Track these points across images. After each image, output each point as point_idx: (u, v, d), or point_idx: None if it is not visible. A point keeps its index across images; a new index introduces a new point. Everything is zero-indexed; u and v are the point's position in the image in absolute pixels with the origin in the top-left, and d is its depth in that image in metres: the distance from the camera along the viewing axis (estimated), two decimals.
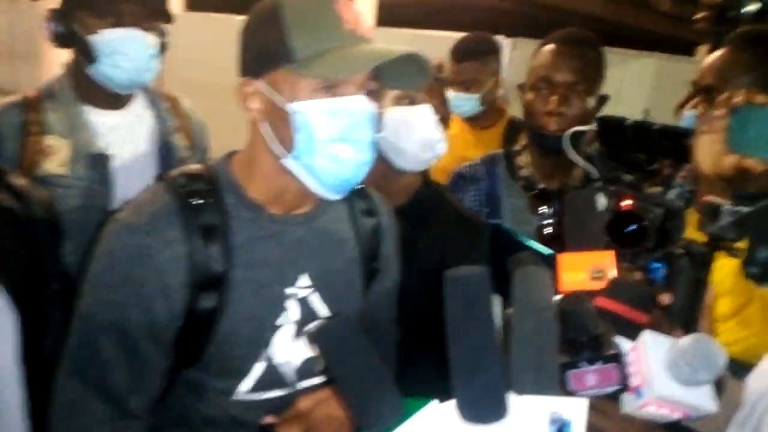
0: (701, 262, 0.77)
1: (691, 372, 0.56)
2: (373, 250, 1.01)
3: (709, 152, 0.84)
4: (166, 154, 1.46)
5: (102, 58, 1.32)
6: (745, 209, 0.76)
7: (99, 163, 1.37)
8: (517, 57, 5.91)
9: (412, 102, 1.20)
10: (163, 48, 1.41)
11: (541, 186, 1.36)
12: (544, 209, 0.96)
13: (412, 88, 0.97)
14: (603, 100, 1.37)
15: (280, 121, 0.83)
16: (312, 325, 0.92)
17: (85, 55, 1.33)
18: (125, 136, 1.42)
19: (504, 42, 6.02)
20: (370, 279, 1.02)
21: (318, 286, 0.93)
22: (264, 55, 0.83)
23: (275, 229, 0.90)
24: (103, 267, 0.86)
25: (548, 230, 0.92)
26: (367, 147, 0.84)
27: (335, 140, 0.81)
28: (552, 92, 1.32)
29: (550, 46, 1.36)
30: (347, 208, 1.00)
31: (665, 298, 0.74)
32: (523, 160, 1.44)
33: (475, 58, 2.09)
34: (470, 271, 0.46)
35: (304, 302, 0.92)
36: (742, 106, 0.81)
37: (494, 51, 2.23)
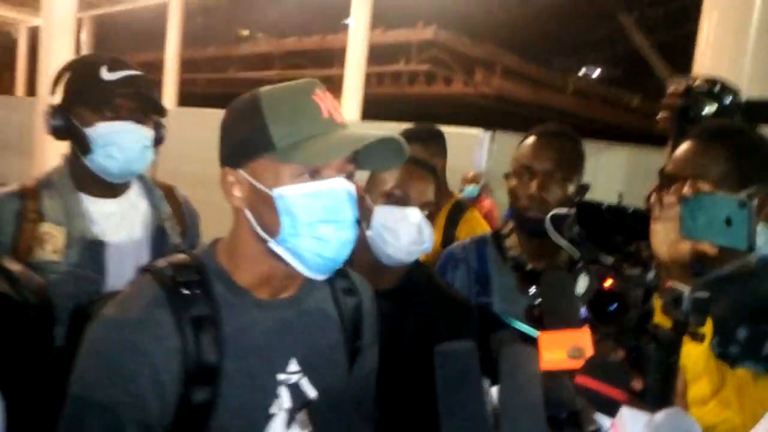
0: (669, 347, 0.79)
1: None
2: (355, 329, 1.02)
3: (665, 239, 0.90)
4: (159, 240, 1.49)
5: (96, 149, 1.38)
6: (704, 294, 0.80)
7: (93, 249, 1.39)
8: (496, 149, 6.21)
9: (403, 199, 1.26)
10: (158, 140, 1.48)
11: (529, 267, 1.41)
12: (531, 289, 1.00)
13: (389, 169, 1.01)
14: (583, 188, 1.46)
15: (264, 207, 0.85)
16: (305, 407, 0.91)
17: (81, 146, 1.39)
18: (120, 223, 1.46)
19: (483, 135, 6.34)
20: (354, 358, 1.01)
21: (306, 369, 0.93)
22: (245, 145, 0.85)
23: (264, 314, 0.90)
24: (90, 366, 0.83)
25: (537, 310, 0.95)
26: (350, 226, 0.86)
27: (319, 222, 0.84)
28: (532, 179, 1.40)
29: (531, 138, 1.47)
30: (329, 288, 1.01)
31: (637, 384, 0.75)
32: (512, 241, 1.50)
33: (419, 142, 2.19)
34: (460, 345, 0.49)
35: (294, 388, 0.91)
36: (691, 196, 0.88)
37: (438, 137, 2.35)
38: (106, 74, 1.37)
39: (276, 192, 0.84)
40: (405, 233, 1.23)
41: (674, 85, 1.42)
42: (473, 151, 6.21)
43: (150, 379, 0.81)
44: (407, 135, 2.22)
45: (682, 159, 1.11)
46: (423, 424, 0.79)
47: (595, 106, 14.21)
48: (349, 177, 0.88)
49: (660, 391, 0.77)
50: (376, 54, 10.47)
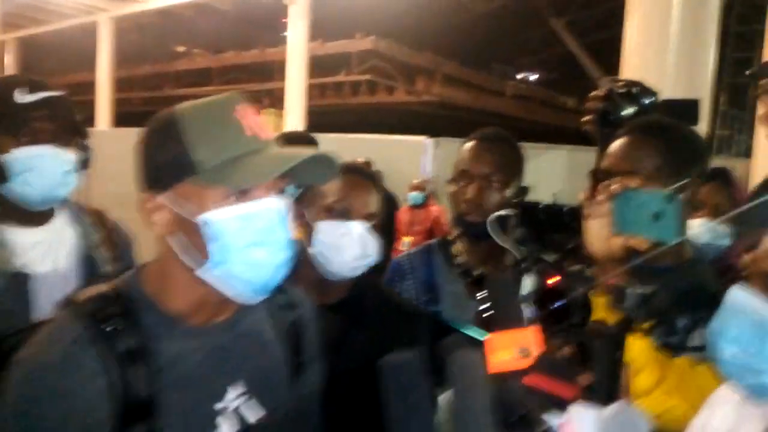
0: (614, 343, 0.81)
1: None
2: (296, 344, 0.98)
3: (598, 235, 0.92)
4: (88, 269, 1.42)
5: (13, 176, 1.30)
6: (648, 290, 0.82)
7: (16, 282, 1.31)
8: (440, 154, 6.31)
9: (345, 212, 1.23)
10: (84, 163, 1.41)
11: (477, 272, 1.41)
12: (480, 294, 1.00)
13: (322, 183, 0.97)
14: (523, 191, 1.47)
15: (190, 233, 0.80)
16: None
17: None
18: (45, 253, 1.38)
19: (427, 142, 6.43)
20: (297, 373, 0.98)
21: (253, 391, 0.89)
22: (165, 169, 0.81)
23: (197, 342, 0.86)
24: (16, 413, 0.77)
25: (486, 315, 0.95)
26: (284, 247, 0.82)
27: (251, 245, 0.79)
28: (470, 183, 1.41)
29: (469, 144, 1.49)
30: (265, 305, 0.96)
31: (584, 380, 0.77)
32: (458, 248, 1.50)
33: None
34: (403, 357, 0.48)
35: (236, 414, 0.88)
36: (620, 192, 0.90)
37: (311, 141, 2.36)
38: (20, 97, 1.30)
39: (201, 218, 0.78)
40: (349, 249, 1.21)
41: (597, 89, 1.46)
42: (419, 159, 6.29)
43: (78, 425, 0.76)
44: (287, 139, 2.17)
45: (616, 155, 1.14)
46: None
47: (534, 109, 14.66)
48: (280, 193, 0.83)
49: (607, 385, 0.79)
50: (317, 65, 10.45)
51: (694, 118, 1.35)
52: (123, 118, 10.35)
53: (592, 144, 1.43)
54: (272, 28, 15.24)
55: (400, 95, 12.59)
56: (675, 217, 0.83)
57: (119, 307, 0.82)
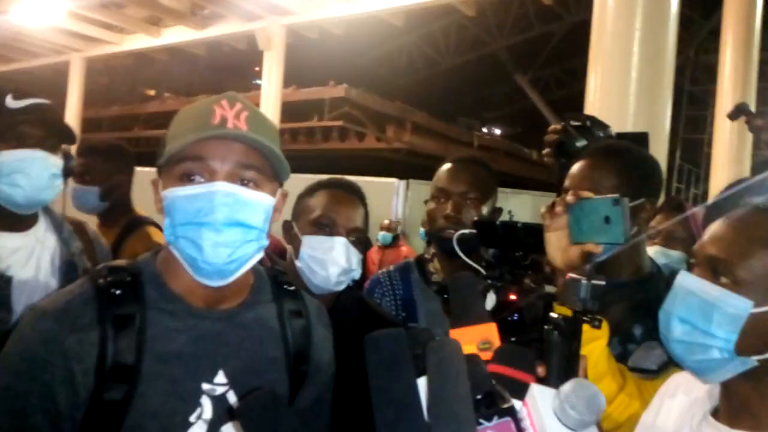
0: (570, 333, 0.86)
1: (576, 415, 0.63)
2: (300, 352, 1.00)
3: (558, 247, 0.99)
4: (69, 276, 1.42)
5: (1, 177, 1.32)
6: (600, 282, 0.88)
7: None
8: (411, 196, 6.42)
9: (330, 226, 1.26)
10: (67, 171, 1.43)
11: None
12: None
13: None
14: (497, 211, 1.55)
15: (162, 212, 0.90)
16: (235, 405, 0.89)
17: None
18: (27, 259, 1.38)
19: (398, 183, 6.53)
20: (298, 383, 0.99)
21: (234, 384, 0.91)
22: (160, 153, 0.90)
23: (193, 322, 0.90)
24: (10, 351, 0.85)
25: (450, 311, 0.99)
26: (218, 229, 0.85)
27: (189, 224, 0.85)
28: (447, 200, 1.48)
29: (446, 165, 1.57)
30: (276, 308, 1.00)
31: (540, 371, 0.81)
32: (435, 266, 1.55)
33: None
34: (389, 331, 0.50)
35: (219, 400, 0.90)
36: (574, 202, 0.97)
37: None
38: (10, 102, 1.33)
39: (163, 194, 0.88)
40: (333, 264, 1.25)
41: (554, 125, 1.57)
42: (390, 200, 6.37)
43: (62, 368, 0.81)
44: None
45: (576, 175, 1.22)
46: None
47: (499, 159, 15.07)
48: (251, 184, 0.88)
49: (564, 376, 0.83)
50: (290, 111, 10.60)
51: (644, 148, 1.45)
52: None
53: (554, 190, 1.51)
54: (243, 75, 15.46)
55: (371, 142, 12.81)
56: (622, 220, 0.90)
57: (128, 276, 0.89)
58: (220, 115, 0.86)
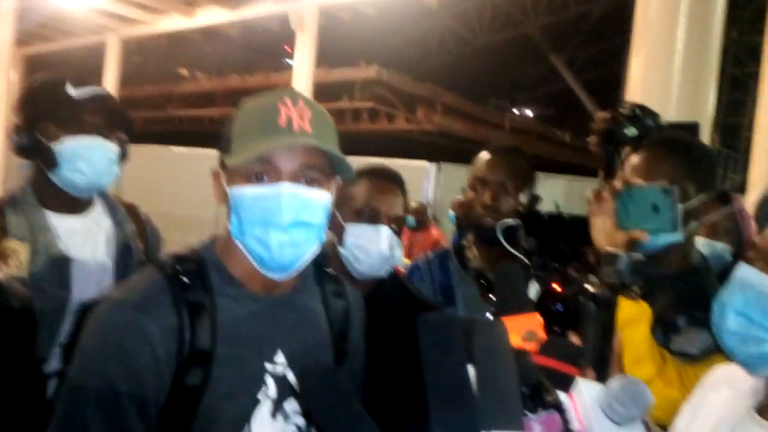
0: (606, 306, 0.87)
1: (623, 410, 0.64)
2: (342, 332, 1.06)
3: (603, 231, 0.99)
4: (124, 258, 1.49)
5: (63, 163, 1.39)
6: (640, 257, 0.89)
7: (59, 265, 1.38)
8: (442, 180, 6.39)
9: (373, 215, 1.29)
10: (123, 156, 1.50)
11: (490, 275, 1.48)
12: (493, 297, 1.06)
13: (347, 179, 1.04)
14: (535, 199, 1.56)
15: (227, 204, 0.95)
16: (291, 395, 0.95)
17: (48, 162, 1.40)
18: (84, 240, 1.45)
19: (429, 167, 6.50)
20: (340, 361, 1.05)
21: (292, 363, 0.97)
22: (221, 147, 0.95)
23: (256, 306, 0.95)
24: (94, 342, 0.88)
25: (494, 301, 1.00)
26: (286, 229, 0.90)
27: (256, 223, 0.90)
28: (486, 189, 1.50)
29: (484, 154, 1.59)
30: (319, 290, 1.06)
31: (574, 340, 0.82)
32: (472, 253, 1.57)
33: None
34: (441, 314, 0.53)
35: (281, 379, 0.95)
36: (623, 189, 0.97)
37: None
38: (73, 91, 1.39)
39: (230, 191, 0.92)
40: (376, 251, 1.28)
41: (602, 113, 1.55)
42: (421, 183, 6.36)
43: (148, 356, 0.85)
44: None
45: (638, 165, 1.20)
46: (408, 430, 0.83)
47: (531, 142, 14.86)
48: (312, 182, 0.92)
49: (599, 347, 0.84)
50: (321, 91, 10.61)
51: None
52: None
53: (589, 175, 1.50)
54: (275, 55, 15.49)
55: (401, 123, 12.76)
56: (671, 208, 0.89)
57: (194, 265, 0.93)
58: (286, 115, 0.89)
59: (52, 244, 1.39)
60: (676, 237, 1.03)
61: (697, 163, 1.18)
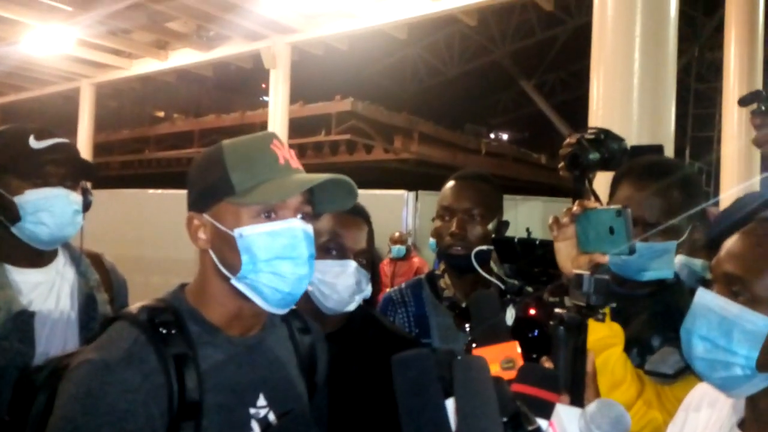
0: (576, 329, 0.88)
1: None
2: (311, 366, 1.07)
3: (567, 256, 1.00)
4: (88, 309, 1.46)
5: (26, 216, 1.37)
6: (603, 277, 0.90)
7: (21, 320, 1.34)
8: (420, 208, 6.44)
9: (339, 250, 1.29)
10: (86, 206, 1.47)
11: (464, 304, 1.48)
12: (468, 326, 1.06)
13: (344, 209, 1.08)
14: (503, 225, 1.57)
15: (226, 247, 0.92)
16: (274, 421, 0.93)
17: (10, 215, 1.37)
18: (48, 293, 1.42)
19: (407, 195, 6.55)
20: (311, 395, 1.06)
21: (272, 405, 0.96)
22: (209, 191, 0.93)
23: (234, 351, 0.95)
24: (81, 408, 0.82)
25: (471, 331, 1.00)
26: (305, 262, 0.93)
27: (276, 258, 0.91)
28: (453, 218, 1.51)
29: (450, 182, 1.59)
30: (286, 327, 1.07)
31: (546, 364, 0.82)
32: (445, 281, 1.57)
33: None
34: (415, 352, 0.52)
35: (264, 422, 0.95)
36: (580, 213, 0.99)
37: None
38: (34, 143, 1.38)
39: (236, 232, 0.90)
40: (343, 287, 1.27)
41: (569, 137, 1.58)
42: (399, 211, 6.40)
43: (143, 416, 0.82)
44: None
45: (626, 196, 1.22)
46: None
47: (508, 165, 15.06)
48: (306, 218, 0.94)
49: (571, 370, 0.84)
50: (298, 126, 10.68)
51: None
52: (102, 181, 10.35)
53: (565, 195, 1.52)
54: (250, 93, 15.59)
55: (379, 153, 12.85)
56: (625, 230, 0.90)
57: (170, 315, 0.91)
58: (282, 156, 0.93)
59: (13, 300, 1.36)
60: (667, 274, 1.04)
61: (682, 188, 1.21)
